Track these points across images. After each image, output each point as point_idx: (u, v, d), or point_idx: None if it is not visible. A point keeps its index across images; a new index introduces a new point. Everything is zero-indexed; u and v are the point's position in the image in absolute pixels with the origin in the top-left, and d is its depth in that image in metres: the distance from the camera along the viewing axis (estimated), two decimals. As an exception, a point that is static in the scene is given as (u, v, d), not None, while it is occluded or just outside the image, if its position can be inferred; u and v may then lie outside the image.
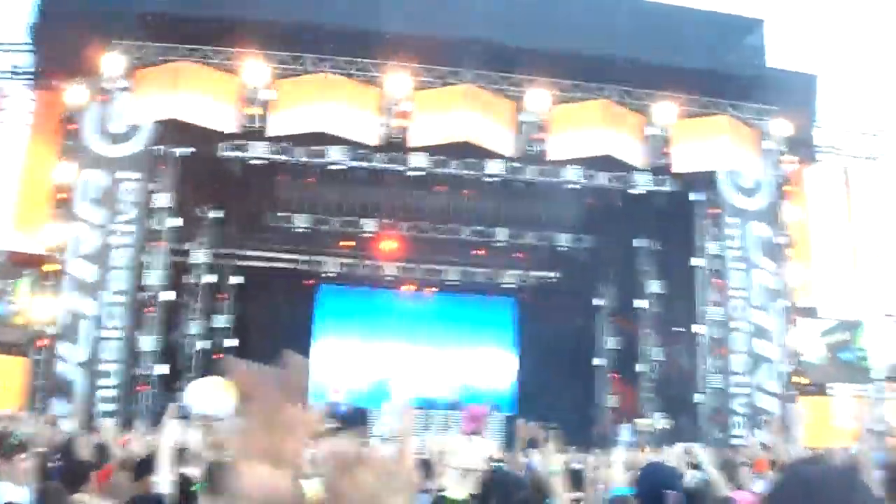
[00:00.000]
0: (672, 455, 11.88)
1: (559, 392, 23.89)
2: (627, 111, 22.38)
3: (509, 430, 20.17)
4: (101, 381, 20.77)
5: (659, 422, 22.98)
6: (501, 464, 11.24)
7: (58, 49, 22.38)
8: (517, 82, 21.80)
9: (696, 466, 8.12)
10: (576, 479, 7.04)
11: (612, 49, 22.10)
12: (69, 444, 8.32)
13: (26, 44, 24.12)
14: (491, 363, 27.48)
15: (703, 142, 22.57)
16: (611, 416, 26.21)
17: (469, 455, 9.82)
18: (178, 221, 22.27)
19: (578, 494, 6.80)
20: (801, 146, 25.13)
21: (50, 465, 7.40)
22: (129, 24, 21.35)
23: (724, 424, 22.55)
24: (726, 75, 22.92)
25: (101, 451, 8.56)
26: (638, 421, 23.45)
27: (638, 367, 25.27)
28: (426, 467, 9.50)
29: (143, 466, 6.37)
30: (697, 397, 22.88)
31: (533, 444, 10.27)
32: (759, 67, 23.54)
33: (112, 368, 20.92)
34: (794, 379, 23.19)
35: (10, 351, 23.32)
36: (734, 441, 21.76)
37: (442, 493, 7.96)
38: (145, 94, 21.08)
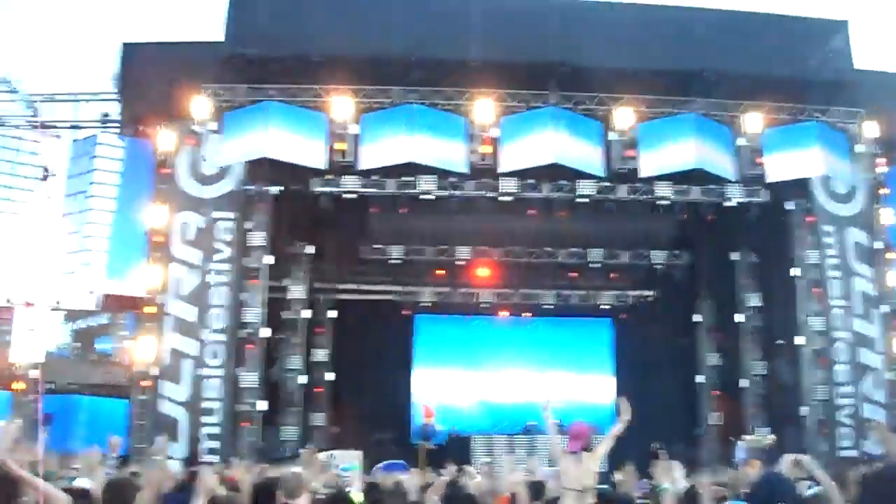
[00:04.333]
0: (781, 467, 11.63)
1: (661, 411, 23.53)
2: (715, 123, 22.12)
3: (611, 450, 19.89)
4: (205, 419, 21.07)
5: (766, 437, 22.49)
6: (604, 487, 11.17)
7: (145, 96, 22.91)
8: (603, 101, 21.72)
9: (807, 478, 7.94)
10: (688, 498, 7.00)
11: (696, 62, 21.96)
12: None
13: (113, 93, 24.73)
14: (590, 385, 27.28)
15: (795, 149, 22.16)
16: (716, 434, 25.77)
17: (580, 475, 9.79)
18: (274, 258, 22.56)
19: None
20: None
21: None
22: (216, 68, 21.74)
23: (831, 436, 22.05)
24: (812, 80, 22.56)
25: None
26: (746, 437, 23.01)
27: (741, 383, 24.80)
28: (538, 489, 9.50)
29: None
30: (803, 410, 22.38)
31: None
32: (845, 71, 23.05)
33: (215, 406, 21.21)
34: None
35: (113, 393, 23.88)
36: (842, 453, 21.32)
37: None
38: (235, 135, 21.41)
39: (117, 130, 25.00)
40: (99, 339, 25.13)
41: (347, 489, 9.58)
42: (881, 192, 23.42)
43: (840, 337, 22.62)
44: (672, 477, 8.79)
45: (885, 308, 22.97)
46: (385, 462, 20.45)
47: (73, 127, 25.27)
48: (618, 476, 12.10)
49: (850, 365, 22.51)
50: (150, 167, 22.79)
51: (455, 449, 22.32)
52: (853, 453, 21.22)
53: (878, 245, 23.22)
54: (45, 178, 24.60)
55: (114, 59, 23.67)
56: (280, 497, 6.25)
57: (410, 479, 12.03)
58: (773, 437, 22.52)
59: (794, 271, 23.03)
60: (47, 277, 23.83)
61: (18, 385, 22.90)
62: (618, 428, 10.30)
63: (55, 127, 25.24)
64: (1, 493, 4.28)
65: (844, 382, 22.44)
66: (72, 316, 25.63)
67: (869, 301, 22.91)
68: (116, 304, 25.06)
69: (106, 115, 24.86)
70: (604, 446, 10.30)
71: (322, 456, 16.01)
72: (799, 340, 22.77)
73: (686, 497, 7.11)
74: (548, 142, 21.03)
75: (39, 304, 23.77)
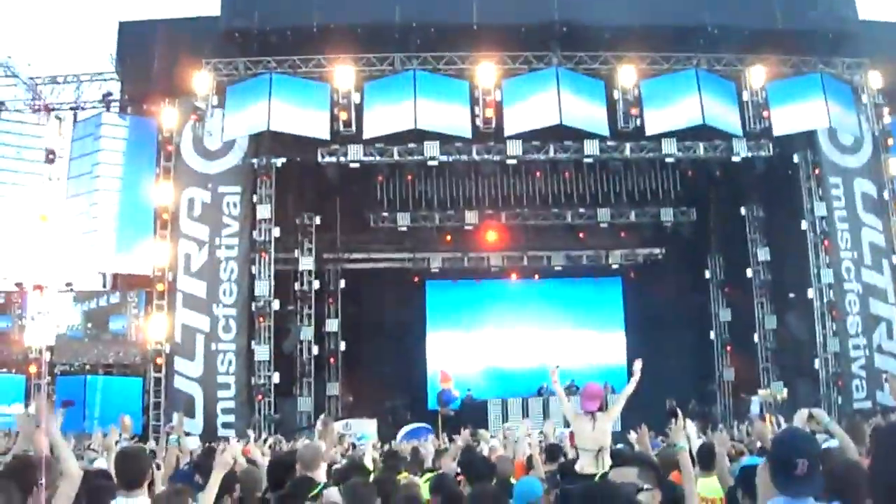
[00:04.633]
0: (796, 421, 11.63)
1: (674, 368, 23.62)
2: (719, 78, 21.90)
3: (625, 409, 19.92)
4: (220, 393, 21.19)
5: (780, 391, 22.51)
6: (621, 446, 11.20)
7: (145, 74, 22.84)
8: (606, 60, 21.52)
9: (822, 431, 7.90)
10: (704, 455, 7.02)
11: (699, 17, 21.68)
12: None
13: (114, 72, 24.69)
14: (601, 344, 27.33)
15: (800, 102, 21.93)
16: (729, 390, 25.85)
17: (596, 435, 9.83)
18: (281, 230, 22.57)
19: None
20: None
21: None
22: (214, 42, 21.62)
23: (845, 389, 22.03)
24: (815, 32, 22.28)
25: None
26: (760, 391, 23.04)
27: (753, 338, 24.75)
28: (553, 451, 9.53)
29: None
30: (816, 363, 22.34)
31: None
32: (848, 21, 22.74)
33: (229, 380, 21.32)
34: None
35: (127, 371, 23.97)
36: (856, 405, 21.33)
37: (578, 472, 7.98)
38: (238, 109, 21.31)
39: (119, 110, 24.89)
40: (113, 318, 25.12)
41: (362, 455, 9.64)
42: (888, 142, 23.21)
43: (850, 289, 22.58)
44: (687, 435, 8.82)
45: (895, 258, 22.89)
46: (411, 426, 20.61)
47: (75, 108, 25.17)
48: (633, 435, 12.15)
49: (861, 316, 22.49)
50: (153, 145, 22.80)
51: (471, 413, 22.41)
52: (867, 405, 21.21)
53: (886, 195, 23.09)
54: (49, 160, 24.50)
55: (112, 38, 23.63)
56: (298, 469, 6.29)
57: (427, 446, 12.11)
58: (786, 390, 22.55)
59: (803, 224, 22.97)
60: (56, 259, 23.79)
61: (32, 368, 23.00)
62: (630, 388, 10.34)
63: (57, 109, 25.14)
64: (22, 481, 4.32)
65: (856, 334, 22.42)
66: (82, 297, 25.61)
67: (878, 252, 22.84)
68: (126, 282, 25.06)
69: (108, 94, 24.79)
70: (617, 407, 10.33)
71: (337, 425, 16.10)
72: (810, 293, 22.73)
73: (702, 454, 7.12)
74: (551, 103, 20.86)
75: (49, 286, 23.78)
